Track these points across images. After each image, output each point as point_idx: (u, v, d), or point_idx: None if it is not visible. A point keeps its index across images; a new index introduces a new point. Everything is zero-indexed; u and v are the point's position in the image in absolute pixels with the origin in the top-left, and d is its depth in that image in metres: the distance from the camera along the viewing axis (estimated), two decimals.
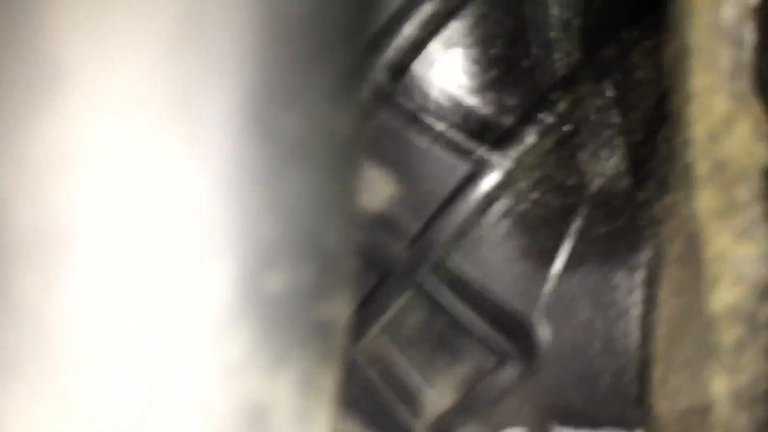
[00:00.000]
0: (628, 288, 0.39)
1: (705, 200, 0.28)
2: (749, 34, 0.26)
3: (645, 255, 0.39)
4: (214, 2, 0.20)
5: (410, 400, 0.43)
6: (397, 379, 0.43)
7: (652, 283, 0.38)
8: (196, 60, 0.20)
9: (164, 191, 0.20)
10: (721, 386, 0.29)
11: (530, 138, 0.39)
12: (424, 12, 0.39)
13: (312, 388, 0.23)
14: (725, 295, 0.28)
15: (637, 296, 0.38)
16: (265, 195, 0.21)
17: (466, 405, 0.42)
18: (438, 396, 0.43)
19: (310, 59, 0.21)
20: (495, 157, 0.39)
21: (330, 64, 0.22)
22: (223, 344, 0.21)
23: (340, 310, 0.24)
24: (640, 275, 0.39)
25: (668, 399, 0.38)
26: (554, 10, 0.39)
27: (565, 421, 0.40)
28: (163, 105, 0.20)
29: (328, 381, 0.24)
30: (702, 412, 0.40)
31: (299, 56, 0.21)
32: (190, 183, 0.20)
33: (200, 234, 0.20)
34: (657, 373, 0.38)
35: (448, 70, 0.40)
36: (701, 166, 0.28)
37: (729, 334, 0.28)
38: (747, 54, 0.26)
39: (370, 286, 0.43)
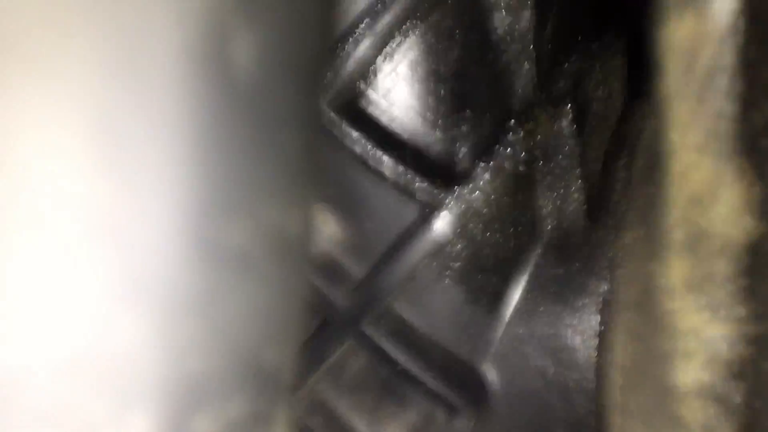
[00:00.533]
0: (582, 333, 0.37)
1: (678, 271, 0.26)
2: (734, 91, 0.24)
3: (599, 299, 0.37)
4: (138, 98, 0.16)
5: None
6: (341, 429, 0.41)
7: (606, 329, 0.37)
8: (122, 172, 0.16)
9: (80, 330, 0.17)
10: None
11: (483, 174, 0.37)
12: (369, 44, 0.36)
13: None
14: (696, 374, 0.26)
15: (592, 342, 0.37)
16: (199, 323, 0.18)
17: None
18: None
19: (258, 155, 0.18)
20: (446, 198, 0.37)
21: (282, 144, 0.18)
22: None
23: (280, 430, 0.21)
24: (594, 320, 0.37)
25: None
26: (506, 41, 0.36)
27: None
28: (82, 226, 0.16)
29: None
30: None
31: (248, 146, 0.18)
32: (112, 321, 0.17)
33: (119, 380, 0.17)
34: (614, 424, 0.37)
35: (396, 105, 0.37)
36: (678, 233, 0.26)
37: (699, 414, 0.26)
38: (731, 115, 0.24)
39: (311, 330, 0.40)
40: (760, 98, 0.24)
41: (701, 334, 0.25)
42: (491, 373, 0.38)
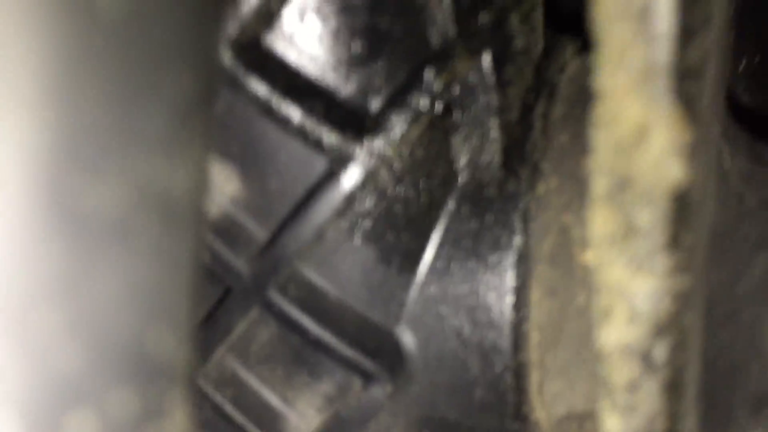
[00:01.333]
0: (498, 290, 0.35)
1: (600, 222, 0.24)
2: (670, 26, 0.22)
3: (515, 253, 0.36)
4: None
5: (269, 424, 0.39)
6: (252, 402, 0.39)
7: (522, 286, 0.35)
8: None
9: None
10: (613, 426, 0.26)
11: (397, 125, 0.34)
12: None
13: None
14: (618, 332, 0.25)
15: (508, 299, 0.35)
16: (64, 309, 0.15)
17: (332, 427, 0.38)
18: (300, 418, 0.38)
19: (135, 88, 0.15)
20: (356, 149, 0.34)
21: (168, 89, 0.15)
22: None
23: (176, 421, 0.19)
24: (509, 276, 0.36)
25: (545, 407, 0.36)
26: None
27: None
28: None
29: None
30: (580, 418, 0.38)
31: (118, 86, 0.15)
32: None
33: None
34: (533, 380, 0.36)
35: (304, 48, 0.34)
36: (600, 183, 0.24)
37: (622, 373, 0.25)
38: (665, 51, 0.22)
39: (213, 301, 0.38)
40: (697, 30, 0.23)
41: (623, 290, 0.24)
42: (407, 337, 0.36)
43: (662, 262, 0.24)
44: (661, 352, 0.25)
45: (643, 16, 0.21)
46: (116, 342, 0.16)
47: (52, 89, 0.13)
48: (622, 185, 0.23)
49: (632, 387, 0.25)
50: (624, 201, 0.23)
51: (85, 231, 0.14)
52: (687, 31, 0.22)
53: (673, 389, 0.26)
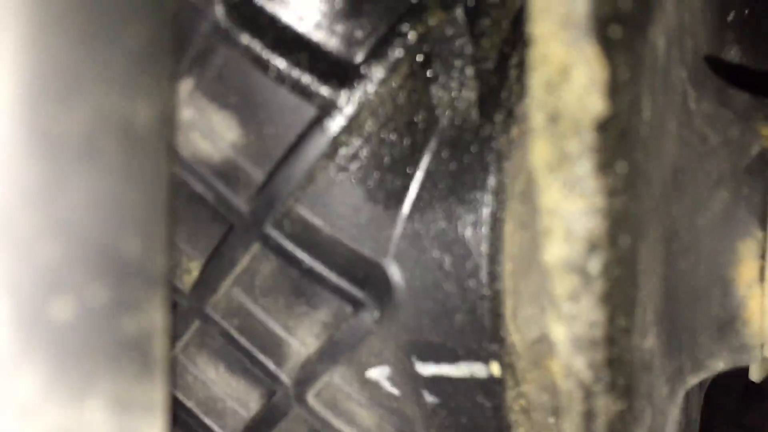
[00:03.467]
0: (474, 225, 0.39)
1: (538, 152, 0.27)
2: None
3: (490, 191, 0.39)
4: None
5: (273, 349, 0.43)
6: (257, 329, 0.43)
7: (496, 219, 0.38)
8: None
9: None
10: (559, 333, 0.29)
11: (378, 74, 0.37)
12: None
13: (129, 406, 0.22)
14: (557, 249, 0.28)
15: (484, 232, 0.39)
16: (43, 212, 0.19)
17: (329, 350, 0.41)
18: (300, 344, 0.42)
19: (96, 35, 0.18)
20: (342, 98, 0.37)
21: (125, 36, 0.19)
22: (12, 384, 0.19)
23: (152, 317, 0.22)
24: (485, 211, 0.39)
25: (519, 331, 0.39)
26: None
27: (426, 358, 0.41)
28: None
29: (150, 393, 0.23)
30: (549, 340, 0.41)
31: (82, 33, 0.18)
32: None
33: None
34: (507, 306, 0.39)
35: (290, 5, 0.37)
36: (536, 117, 0.27)
37: (563, 285, 0.28)
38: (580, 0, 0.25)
39: (218, 238, 0.41)
40: None
41: (558, 211, 0.27)
42: (393, 268, 0.40)
43: (592, 185, 0.27)
44: (595, 265, 0.28)
45: None
46: (92, 242, 0.19)
47: (29, 37, 0.17)
48: (554, 118, 0.26)
49: (573, 298, 0.29)
50: (556, 132, 0.26)
51: (57, 150, 0.18)
52: None
53: (609, 299, 0.29)
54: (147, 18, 0.19)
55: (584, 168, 0.27)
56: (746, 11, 0.55)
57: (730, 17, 0.53)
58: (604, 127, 0.26)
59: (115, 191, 0.20)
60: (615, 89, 0.26)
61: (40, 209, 0.18)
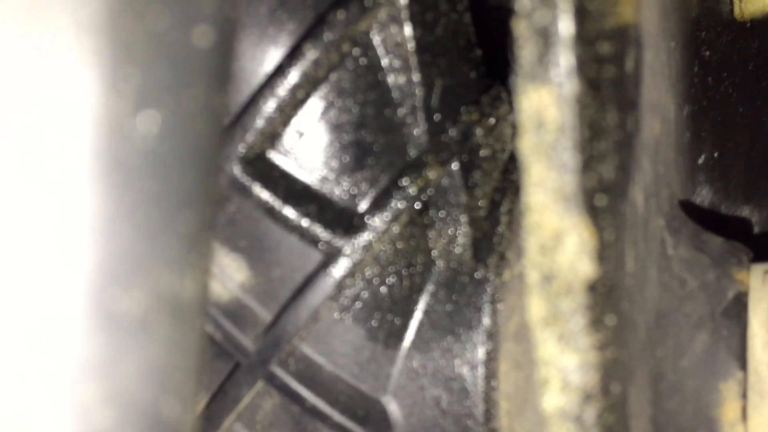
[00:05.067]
0: (470, 364, 0.41)
1: (535, 308, 0.30)
2: (571, 158, 0.28)
3: (485, 331, 0.41)
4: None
5: None
6: None
7: (491, 360, 0.40)
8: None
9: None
10: None
11: (380, 224, 0.40)
12: (277, 101, 0.39)
13: None
14: (553, 399, 0.30)
15: (480, 372, 0.40)
16: (103, 385, 0.21)
17: None
18: None
19: (155, 223, 0.21)
20: (346, 245, 0.40)
21: (178, 226, 0.21)
22: None
23: None
24: (481, 351, 0.41)
25: None
26: (400, 97, 0.40)
27: None
28: None
29: None
30: None
31: (143, 222, 0.20)
32: (25, 390, 0.19)
33: None
34: None
35: (300, 162, 0.40)
36: (532, 276, 0.30)
37: None
38: (570, 177, 0.28)
39: (223, 375, 0.43)
40: (593, 162, 0.29)
41: (555, 364, 0.29)
42: (392, 405, 0.41)
43: (585, 340, 0.29)
44: (590, 414, 0.30)
45: (551, 152, 0.27)
46: (140, 409, 0.21)
47: (101, 228, 0.19)
48: (548, 279, 0.29)
49: None
50: (550, 291, 0.29)
51: (118, 326, 0.20)
52: (587, 161, 0.28)
53: None
54: (198, 204, 0.22)
55: (577, 324, 0.29)
56: (715, 153, 0.59)
57: (701, 160, 0.57)
58: (593, 287, 0.29)
59: (163, 360, 0.22)
60: (602, 252, 0.29)
61: (100, 381, 0.20)
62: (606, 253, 0.29)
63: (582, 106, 0.28)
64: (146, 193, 0.20)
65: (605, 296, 0.29)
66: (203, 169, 0.22)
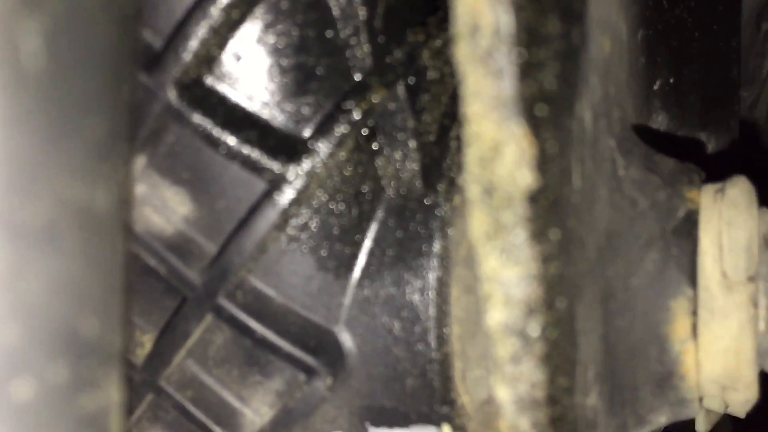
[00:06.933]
0: (422, 290, 0.40)
1: (476, 222, 0.29)
2: (508, 64, 0.27)
3: (436, 257, 0.40)
4: None
5: (227, 420, 0.43)
6: (211, 401, 0.43)
7: (443, 284, 0.40)
8: None
9: None
10: (504, 395, 0.31)
11: (325, 149, 0.39)
12: (211, 22, 0.38)
13: None
14: (497, 313, 0.29)
15: (431, 297, 0.40)
16: (5, 297, 0.20)
17: (283, 419, 0.42)
18: (254, 413, 0.43)
19: (58, 129, 0.20)
20: (290, 172, 0.39)
21: (84, 132, 0.20)
22: None
23: (109, 393, 0.23)
24: (432, 276, 0.40)
25: (469, 392, 0.40)
26: (342, 17, 0.39)
27: (379, 423, 0.42)
28: None
29: None
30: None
31: (45, 127, 0.19)
32: None
33: None
34: (456, 369, 0.40)
35: (240, 82, 0.39)
36: (472, 190, 0.29)
37: (505, 348, 0.30)
38: (508, 83, 0.27)
39: (171, 311, 0.42)
40: (532, 69, 0.28)
41: (497, 278, 0.29)
42: (345, 335, 0.41)
43: (527, 252, 0.29)
44: (534, 328, 0.29)
45: (487, 58, 0.26)
46: (51, 324, 0.20)
47: None
48: (488, 191, 0.28)
49: (514, 360, 0.30)
50: (491, 204, 0.28)
51: (19, 237, 0.19)
52: (525, 68, 0.27)
53: (549, 360, 0.30)
54: (105, 109, 0.21)
55: (519, 237, 0.28)
56: (671, 79, 0.59)
57: (656, 86, 0.56)
58: (534, 198, 0.28)
59: (74, 274, 0.21)
60: (543, 163, 0.28)
61: (2, 294, 0.19)
62: (548, 164, 0.29)
63: (518, 8, 0.27)
64: (43, 96, 0.19)
65: (547, 209, 0.29)
66: (108, 72, 0.20)
